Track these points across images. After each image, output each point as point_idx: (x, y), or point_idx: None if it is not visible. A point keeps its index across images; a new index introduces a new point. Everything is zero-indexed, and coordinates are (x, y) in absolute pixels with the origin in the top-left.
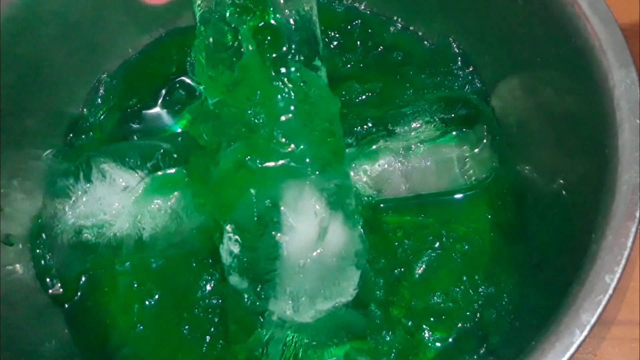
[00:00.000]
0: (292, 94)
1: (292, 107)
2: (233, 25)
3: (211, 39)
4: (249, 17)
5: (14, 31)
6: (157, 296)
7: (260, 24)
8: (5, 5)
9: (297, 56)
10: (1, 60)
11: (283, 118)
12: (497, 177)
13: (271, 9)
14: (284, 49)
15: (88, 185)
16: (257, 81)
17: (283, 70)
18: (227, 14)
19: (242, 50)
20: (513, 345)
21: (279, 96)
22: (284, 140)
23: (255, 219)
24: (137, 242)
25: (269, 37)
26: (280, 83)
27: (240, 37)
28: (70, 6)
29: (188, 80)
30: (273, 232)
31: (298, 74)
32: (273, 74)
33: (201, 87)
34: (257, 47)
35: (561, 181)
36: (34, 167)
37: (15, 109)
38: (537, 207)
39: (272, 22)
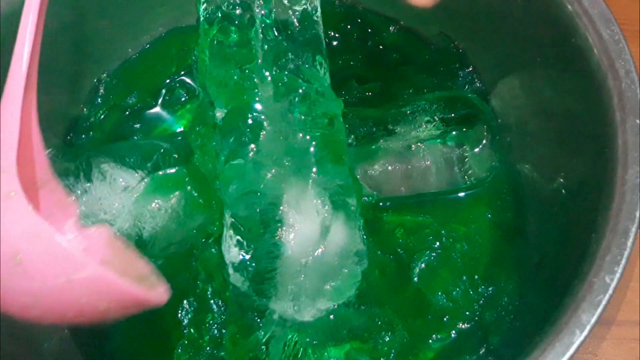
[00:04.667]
0: (296, 93)
1: (295, 107)
2: (238, 25)
3: (215, 38)
4: (253, 16)
5: (14, 31)
6: None
7: (265, 23)
8: (5, 5)
9: (301, 55)
10: (1, 60)
11: (287, 117)
12: (496, 177)
13: (276, 8)
14: (289, 48)
15: (88, 184)
16: (261, 81)
17: (288, 68)
18: (232, 13)
19: (247, 48)
20: (513, 345)
21: (283, 96)
22: (287, 139)
23: (257, 218)
24: (137, 242)
25: (274, 36)
26: (285, 82)
27: (245, 36)
28: (70, 6)
29: (188, 80)
30: (275, 231)
31: (302, 74)
32: (278, 72)
33: (204, 88)
34: (263, 46)
35: (561, 181)
36: None
37: None
38: (537, 207)
39: (277, 21)
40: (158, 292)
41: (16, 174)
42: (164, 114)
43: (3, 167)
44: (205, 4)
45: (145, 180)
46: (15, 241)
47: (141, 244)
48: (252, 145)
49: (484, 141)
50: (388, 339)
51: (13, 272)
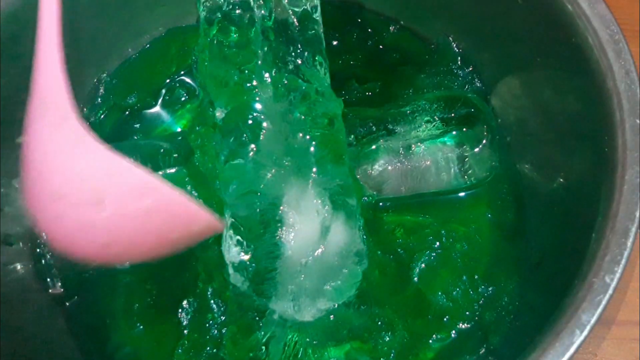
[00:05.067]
0: (296, 93)
1: (295, 107)
2: (238, 25)
3: (215, 38)
4: (253, 16)
5: (14, 31)
6: (157, 295)
7: (265, 24)
8: (5, 5)
9: (301, 55)
10: (1, 60)
11: (287, 117)
12: (496, 177)
13: (276, 8)
14: (289, 48)
15: None
16: (261, 81)
17: (288, 68)
18: (232, 13)
19: (247, 48)
20: (513, 345)
21: (283, 96)
22: (287, 139)
23: (257, 218)
24: None
25: (274, 36)
26: (285, 82)
27: (245, 36)
28: (70, 6)
29: (188, 80)
30: (275, 231)
31: (302, 73)
32: (278, 72)
33: (204, 88)
34: (262, 46)
35: (561, 180)
36: None
37: (15, 108)
38: (537, 207)
39: (277, 21)
40: (218, 219)
41: (77, 119)
42: (164, 113)
43: (64, 115)
44: (205, 4)
45: None
46: (98, 184)
47: None
48: (252, 145)
49: (484, 141)
50: (388, 339)
51: (100, 219)
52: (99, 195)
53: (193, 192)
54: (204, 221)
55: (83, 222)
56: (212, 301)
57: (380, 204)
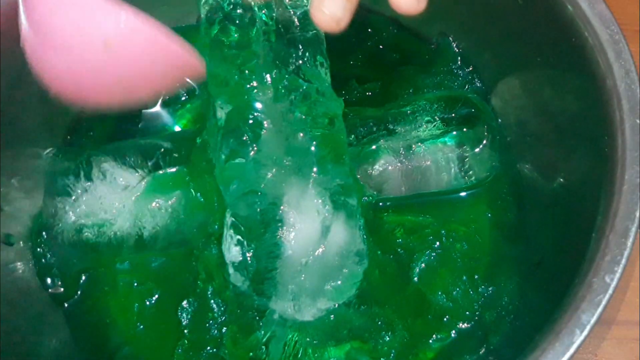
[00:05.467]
0: (297, 93)
1: (296, 106)
2: (239, 24)
3: (216, 38)
4: (254, 16)
5: (14, 31)
6: (157, 295)
7: (266, 23)
8: (5, 5)
9: (302, 55)
10: (1, 60)
11: (288, 117)
12: (497, 177)
13: (277, 8)
14: (290, 48)
15: (88, 184)
16: (262, 81)
17: (288, 69)
18: (233, 13)
19: (248, 48)
20: (513, 345)
21: (284, 95)
22: (288, 139)
23: (258, 217)
24: (137, 241)
25: (275, 36)
26: (285, 82)
27: (246, 36)
28: None
29: (188, 80)
30: (275, 231)
31: (303, 73)
32: (278, 72)
33: (205, 87)
34: (263, 46)
35: (561, 180)
36: (34, 166)
37: (16, 108)
38: (537, 207)
39: (278, 21)
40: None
41: None
42: (164, 113)
43: None
44: (206, 4)
45: (146, 179)
46: (104, 32)
47: (141, 243)
48: (253, 145)
49: (484, 141)
50: (388, 339)
51: (106, 63)
52: (105, 41)
53: (193, 191)
54: (194, 66)
55: (90, 68)
56: (212, 301)
57: (381, 204)
